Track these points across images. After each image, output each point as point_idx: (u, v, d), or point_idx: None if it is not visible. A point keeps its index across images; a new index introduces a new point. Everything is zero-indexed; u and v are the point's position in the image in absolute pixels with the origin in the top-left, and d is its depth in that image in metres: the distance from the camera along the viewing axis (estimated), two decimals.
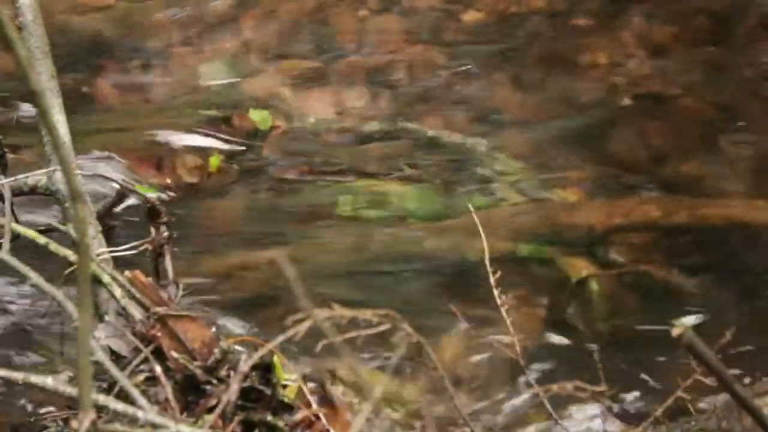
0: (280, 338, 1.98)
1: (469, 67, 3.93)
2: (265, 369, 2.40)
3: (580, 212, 3.39)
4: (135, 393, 2.25)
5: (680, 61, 3.91)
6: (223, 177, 3.56)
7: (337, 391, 2.55)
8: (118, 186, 3.03)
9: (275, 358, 2.40)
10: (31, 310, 3.01)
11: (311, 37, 4.09)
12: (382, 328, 1.93)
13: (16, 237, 2.64)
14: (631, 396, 2.83)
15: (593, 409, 2.74)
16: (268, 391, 2.39)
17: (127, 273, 2.56)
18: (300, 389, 2.45)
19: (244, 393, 2.37)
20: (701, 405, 2.61)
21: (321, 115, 3.78)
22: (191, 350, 2.42)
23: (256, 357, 2.27)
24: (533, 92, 3.85)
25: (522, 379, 2.78)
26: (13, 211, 2.74)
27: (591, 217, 3.36)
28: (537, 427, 2.75)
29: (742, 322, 2.90)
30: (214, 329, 2.51)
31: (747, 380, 2.75)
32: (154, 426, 2.11)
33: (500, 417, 2.81)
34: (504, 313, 2.44)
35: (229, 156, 3.61)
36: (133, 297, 2.52)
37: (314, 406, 2.44)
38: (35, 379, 2.28)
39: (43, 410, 2.66)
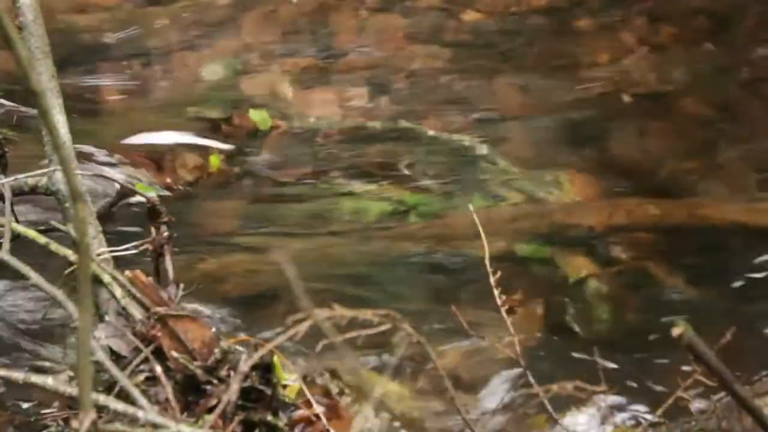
0: (280, 338, 1.98)
1: (469, 66, 3.93)
2: (265, 369, 2.40)
3: (580, 212, 3.39)
4: (135, 393, 2.25)
5: (680, 61, 3.91)
6: (223, 177, 3.56)
7: (337, 391, 2.55)
8: (118, 186, 3.02)
9: (275, 358, 2.40)
10: (31, 310, 3.01)
11: (311, 37, 4.09)
12: (382, 328, 1.93)
13: (16, 237, 2.64)
14: (631, 396, 2.83)
15: (593, 409, 2.73)
16: (269, 391, 2.39)
17: (127, 273, 2.55)
18: (300, 389, 2.45)
19: (245, 393, 2.37)
20: (701, 405, 2.61)
21: (321, 115, 3.78)
22: (191, 350, 2.42)
23: (256, 357, 2.27)
24: (533, 92, 3.85)
25: (522, 380, 2.78)
26: (13, 211, 2.74)
27: (591, 217, 3.36)
28: (537, 427, 2.75)
29: (742, 322, 2.89)
30: (213, 329, 2.51)
31: (747, 380, 2.75)
32: (155, 426, 2.11)
33: (500, 417, 2.81)
34: (504, 313, 2.44)
35: (229, 156, 3.61)
36: (133, 297, 2.52)
37: (314, 405, 2.44)
38: (35, 379, 2.28)
39: (43, 410, 2.65)
